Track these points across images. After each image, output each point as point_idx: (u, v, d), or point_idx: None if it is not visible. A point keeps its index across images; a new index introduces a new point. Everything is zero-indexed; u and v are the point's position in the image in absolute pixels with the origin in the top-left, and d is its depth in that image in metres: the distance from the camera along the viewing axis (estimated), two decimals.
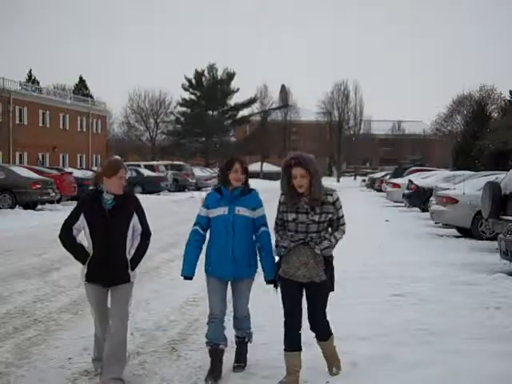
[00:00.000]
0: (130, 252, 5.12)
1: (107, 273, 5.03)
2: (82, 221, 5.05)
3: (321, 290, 4.94)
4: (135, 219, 5.11)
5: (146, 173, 37.52)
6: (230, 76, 74.56)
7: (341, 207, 5.00)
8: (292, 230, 4.93)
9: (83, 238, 5.14)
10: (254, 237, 5.34)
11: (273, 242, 5.14)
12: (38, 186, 23.48)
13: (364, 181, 53.21)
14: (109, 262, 5.01)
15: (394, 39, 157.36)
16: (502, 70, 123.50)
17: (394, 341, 6.10)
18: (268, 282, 5.29)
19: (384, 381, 5.06)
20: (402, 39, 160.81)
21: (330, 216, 4.92)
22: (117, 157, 5.74)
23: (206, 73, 74.31)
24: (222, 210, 5.24)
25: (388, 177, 38.37)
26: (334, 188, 5.01)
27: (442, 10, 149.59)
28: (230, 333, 5.57)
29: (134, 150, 73.06)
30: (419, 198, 22.49)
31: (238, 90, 74.90)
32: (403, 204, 24.76)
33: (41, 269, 10.36)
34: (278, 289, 5.06)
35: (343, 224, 5.03)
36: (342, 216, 5.02)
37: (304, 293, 5.02)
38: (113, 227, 5.00)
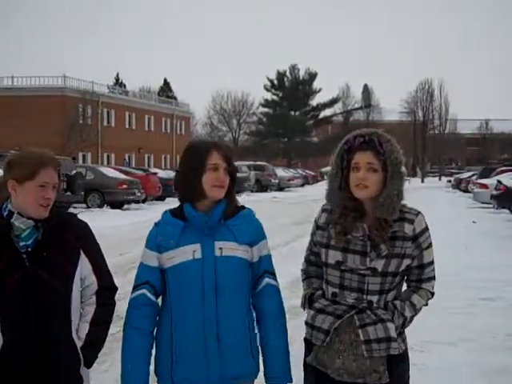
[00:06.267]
0: (79, 331, 2.59)
1: (33, 376, 2.48)
2: None
3: None
4: (84, 264, 2.59)
5: None
6: (312, 76, 74.35)
7: (429, 245, 2.62)
8: (334, 285, 2.61)
9: None
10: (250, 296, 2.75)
11: (297, 301, 2.90)
12: (125, 185, 24.24)
13: (449, 181, 51.95)
14: (37, 356, 2.48)
15: (477, 37, 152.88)
16: None
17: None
18: None
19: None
20: (481, 38, 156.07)
21: (407, 263, 2.58)
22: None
23: (287, 73, 74.45)
24: (189, 251, 2.61)
25: (475, 177, 37.29)
26: (416, 209, 2.64)
27: None
28: None
29: None
30: (509, 199, 21.77)
31: (320, 90, 74.66)
32: (491, 205, 24.02)
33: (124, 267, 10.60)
34: None
35: (430, 278, 2.65)
36: (431, 263, 2.64)
37: None
38: (39, 284, 2.48)
